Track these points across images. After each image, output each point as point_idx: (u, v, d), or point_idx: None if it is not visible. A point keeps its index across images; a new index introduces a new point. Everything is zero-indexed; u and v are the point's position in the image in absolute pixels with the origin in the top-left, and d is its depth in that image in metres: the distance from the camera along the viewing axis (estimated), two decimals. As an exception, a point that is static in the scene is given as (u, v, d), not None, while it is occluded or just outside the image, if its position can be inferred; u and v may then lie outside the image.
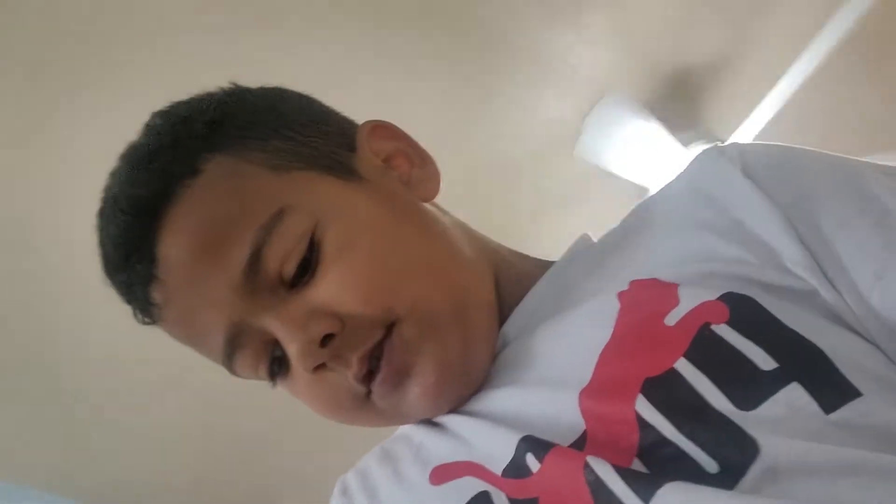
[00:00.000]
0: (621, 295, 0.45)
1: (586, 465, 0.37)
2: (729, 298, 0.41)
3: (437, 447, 0.48)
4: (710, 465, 0.36)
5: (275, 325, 0.46)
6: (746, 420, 0.36)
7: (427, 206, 0.54)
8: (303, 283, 0.46)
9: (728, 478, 0.35)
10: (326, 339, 0.45)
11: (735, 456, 0.35)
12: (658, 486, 0.35)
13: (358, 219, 0.48)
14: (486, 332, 0.50)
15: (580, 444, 0.40)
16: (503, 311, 0.53)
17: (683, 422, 0.37)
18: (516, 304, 0.53)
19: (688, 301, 0.42)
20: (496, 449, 0.43)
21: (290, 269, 0.46)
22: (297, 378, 0.49)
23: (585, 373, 0.42)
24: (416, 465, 0.48)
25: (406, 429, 0.53)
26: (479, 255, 0.55)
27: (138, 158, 0.50)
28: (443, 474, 0.46)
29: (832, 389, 0.37)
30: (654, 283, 0.45)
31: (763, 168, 0.46)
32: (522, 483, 0.40)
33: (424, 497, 0.46)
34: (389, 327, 0.46)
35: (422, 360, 0.46)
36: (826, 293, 0.41)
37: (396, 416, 0.50)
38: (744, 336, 0.39)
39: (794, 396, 0.37)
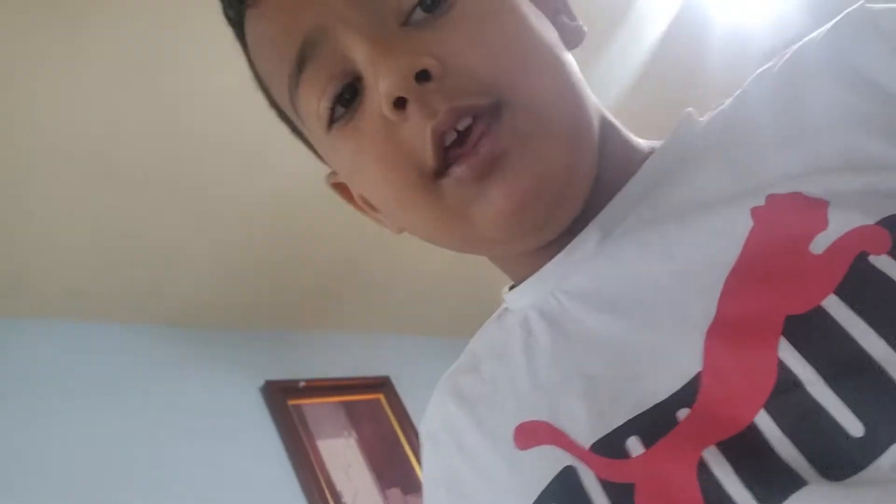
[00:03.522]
0: (756, 211, 0.38)
1: (701, 464, 0.33)
2: (891, 224, 0.34)
3: (515, 397, 0.44)
4: (855, 427, 0.31)
5: (364, 49, 0.40)
6: None
7: None
8: (415, 22, 0.41)
9: (871, 446, 0.30)
10: (421, 77, 0.39)
11: (885, 421, 0.30)
12: (786, 496, 0.30)
13: None
14: (588, 169, 0.44)
15: (690, 391, 0.35)
16: (600, 189, 0.45)
17: (831, 373, 0.32)
18: (615, 186, 0.45)
19: (839, 224, 0.35)
20: (582, 417, 0.39)
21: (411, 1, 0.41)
22: (363, 122, 0.42)
23: (709, 303, 0.37)
24: (495, 414, 0.45)
25: (476, 350, 0.51)
26: (593, 106, 0.47)
27: None
28: (526, 437, 0.42)
29: None
30: (798, 198, 0.37)
31: None
32: (617, 465, 0.36)
33: (511, 460, 0.42)
34: (496, 107, 0.40)
35: (523, 157, 0.40)
36: None
37: (454, 221, 0.42)
38: None
39: None
